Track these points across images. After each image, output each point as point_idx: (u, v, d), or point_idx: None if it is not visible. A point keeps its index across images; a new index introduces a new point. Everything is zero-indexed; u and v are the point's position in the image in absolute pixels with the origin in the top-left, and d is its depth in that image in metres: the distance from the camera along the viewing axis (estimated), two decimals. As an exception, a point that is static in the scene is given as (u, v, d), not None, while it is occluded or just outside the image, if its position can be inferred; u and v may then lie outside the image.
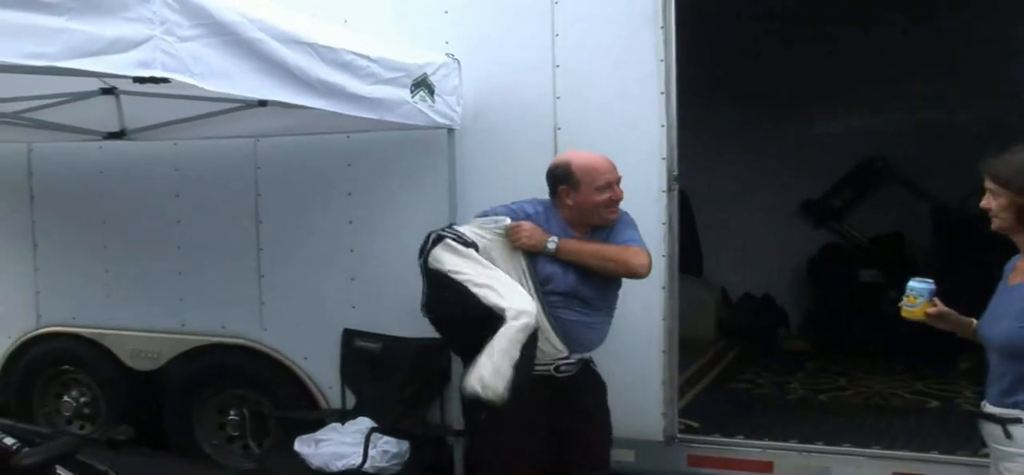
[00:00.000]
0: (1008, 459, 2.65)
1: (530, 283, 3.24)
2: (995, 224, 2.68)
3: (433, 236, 3.28)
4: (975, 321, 2.83)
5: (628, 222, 3.41)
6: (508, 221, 3.29)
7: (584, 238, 3.32)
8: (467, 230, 3.31)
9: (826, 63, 6.42)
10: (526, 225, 3.27)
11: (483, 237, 3.28)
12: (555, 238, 3.26)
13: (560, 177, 3.31)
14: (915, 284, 2.84)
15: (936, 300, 2.84)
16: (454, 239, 3.23)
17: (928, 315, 2.82)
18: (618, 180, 3.30)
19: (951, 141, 5.91)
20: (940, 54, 6.10)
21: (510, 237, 3.27)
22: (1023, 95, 5.22)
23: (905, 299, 2.85)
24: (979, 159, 2.70)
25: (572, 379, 3.32)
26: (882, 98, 6.57)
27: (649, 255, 3.34)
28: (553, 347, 3.26)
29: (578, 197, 3.27)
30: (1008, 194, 2.62)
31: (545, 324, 3.21)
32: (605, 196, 3.26)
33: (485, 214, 3.37)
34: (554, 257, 3.26)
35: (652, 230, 3.78)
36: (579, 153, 3.41)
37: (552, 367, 3.27)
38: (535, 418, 3.25)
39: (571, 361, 3.30)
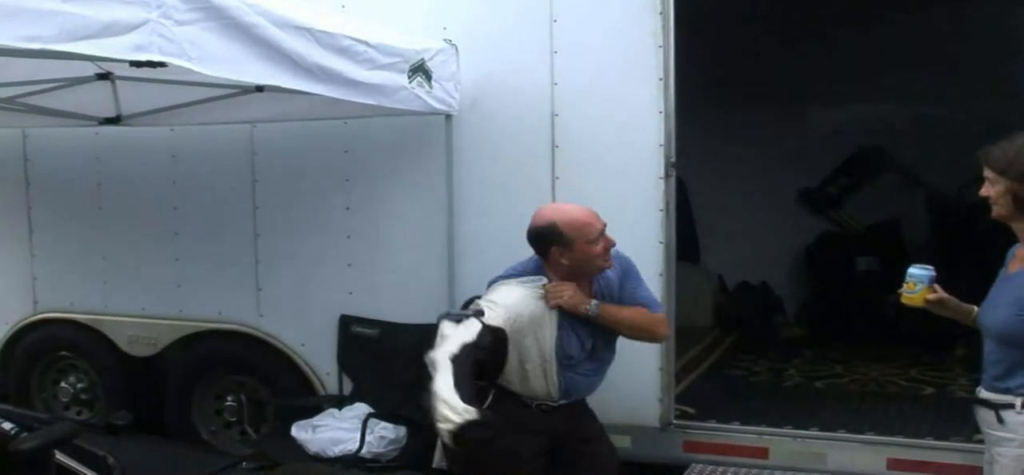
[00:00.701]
0: (1000, 444, 2.67)
1: (552, 343, 3.19)
2: (995, 212, 2.69)
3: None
4: (976, 308, 2.84)
5: (637, 275, 3.38)
6: (544, 281, 3.23)
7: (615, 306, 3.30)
8: (489, 301, 3.20)
9: (825, 56, 6.42)
10: (567, 286, 3.20)
11: (517, 299, 3.19)
12: (596, 302, 3.22)
13: (550, 238, 3.21)
14: (915, 270, 2.84)
15: (936, 287, 2.84)
16: (451, 320, 3.13)
17: (928, 301, 2.83)
18: (605, 227, 3.24)
19: (949, 135, 5.93)
20: (939, 51, 6.10)
21: (548, 297, 3.20)
22: (1021, 93, 5.22)
23: (905, 286, 2.85)
24: (977, 149, 2.70)
25: (554, 409, 3.30)
26: (881, 92, 6.58)
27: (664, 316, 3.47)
28: (547, 392, 3.24)
29: (573, 255, 3.19)
30: (1005, 181, 2.63)
31: (553, 374, 3.20)
32: (600, 247, 3.20)
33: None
34: (592, 320, 3.21)
35: (649, 216, 3.79)
36: (558, 209, 3.33)
37: (533, 405, 3.25)
38: (524, 439, 3.22)
39: (555, 405, 3.28)
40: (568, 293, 3.20)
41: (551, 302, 3.20)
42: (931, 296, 2.82)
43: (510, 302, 3.17)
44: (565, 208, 3.31)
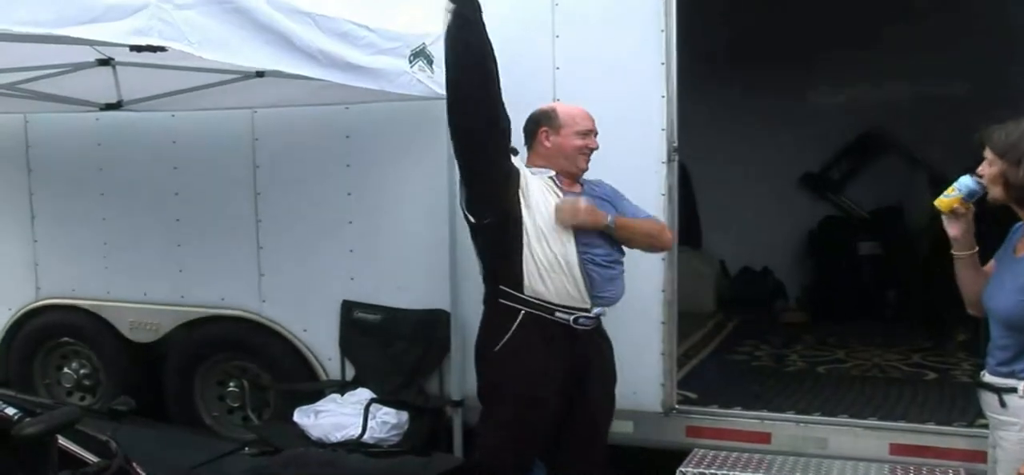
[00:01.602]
0: (1002, 428, 2.66)
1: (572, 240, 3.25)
2: (990, 195, 2.64)
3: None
4: (977, 249, 2.77)
5: (627, 199, 3.51)
6: (552, 173, 3.33)
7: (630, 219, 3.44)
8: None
9: (827, 36, 6.39)
10: (578, 201, 3.28)
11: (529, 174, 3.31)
12: (613, 216, 3.33)
13: (542, 119, 3.40)
14: (965, 179, 2.71)
15: (970, 205, 2.72)
16: None
17: (954, 211, 2.71)
18: (596, 134, 3.40)
19: (952, 119, 5.88)
20: (942, 33, 6.07)
21: (562, 215, 3.24)
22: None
23: (948, 190, 2.74)
24: (981, 128, 2.66)
25: (588, 334, 3.35)
26: (884, 76, 6.55)
27: None
28: (579, 295, 3.27)
29: (558, 139, 3.36)
30: (1000, 164, 2.59)
31: (577, 272, 3.25)
32: (583, 142, 3.36)
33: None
34: (608, 232, 3.31)
35: (652, 201, 3.77)
36: (563, 103, 3.53)
37: (571, 318, 3.28)
38: (551, 365, 3.30)
39: (590, 315, 3.32)
40: (584, 205, 3.28)
41: (567, 220, 3.25)
42: (959, 208, 2.71)
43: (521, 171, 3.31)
44: (568, 104, 3.51)
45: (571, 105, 3.46)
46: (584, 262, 3.26)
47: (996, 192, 2.63)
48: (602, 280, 3.32)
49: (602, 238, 3.32)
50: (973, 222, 2.76)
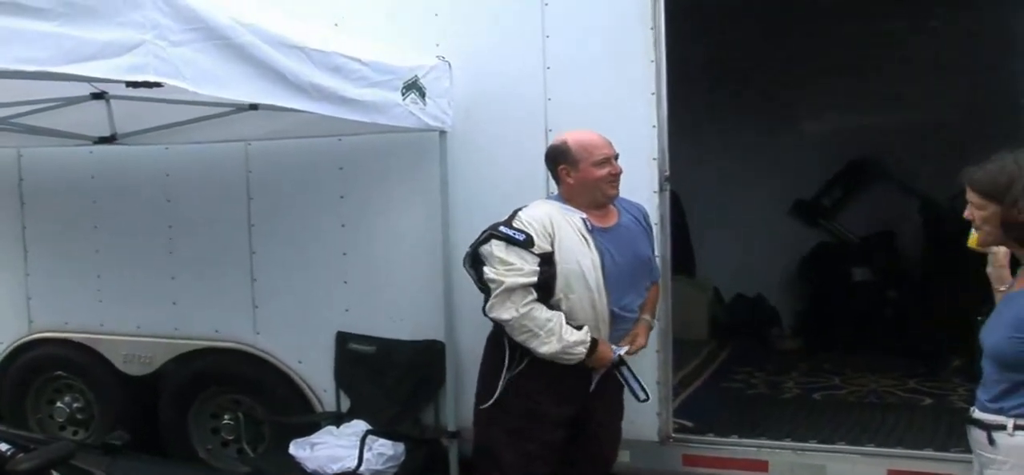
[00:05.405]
0: (991, 466, 2.59)
1: (599, 273, 3.25)
2: (979, 238, 2.58)
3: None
4: (1011, 282, 2.71)
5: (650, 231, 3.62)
6: (582, 215, 3.30)
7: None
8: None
9: (818, 62, 6.45)
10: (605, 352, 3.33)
11: (558, 220, 3.28)
12: (621, 352, 3.41)
13: (558, 156, 3.38)
14: None
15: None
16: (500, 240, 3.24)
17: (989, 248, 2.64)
18: (615, 156, 3.36)
19: (943, 145, 5.93)
20: (933, 59, 6.14)
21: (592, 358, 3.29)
22: (1016, 101, 5.24)
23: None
24: (962, 170, 2.58)
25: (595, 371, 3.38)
26: (874, 102, 6.60)
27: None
28: (595, 325, 3.30)
29: (578, 174, 3.33)
30: (993, 206, 2.50)
31: (606, 316, 3.29)
32: (605, 171, 3.32)
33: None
34: None
35: (645, 230, 3.79)
36: (574, 131, 3.46)
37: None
38: (548, 409, 3.33)
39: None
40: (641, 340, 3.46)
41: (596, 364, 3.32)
42: (997, 250, 2.64)
43: (547, 217, 3.26)
44: (580, 131, 3.44)
45: (583, 133, 3.41)
46: (612, 311, 3.30)
47: (987, 238, 2.57)
48: (621, 324, 3.38)
49: (633, 294, 3.38)
50: (1007, 256, 2.67)
